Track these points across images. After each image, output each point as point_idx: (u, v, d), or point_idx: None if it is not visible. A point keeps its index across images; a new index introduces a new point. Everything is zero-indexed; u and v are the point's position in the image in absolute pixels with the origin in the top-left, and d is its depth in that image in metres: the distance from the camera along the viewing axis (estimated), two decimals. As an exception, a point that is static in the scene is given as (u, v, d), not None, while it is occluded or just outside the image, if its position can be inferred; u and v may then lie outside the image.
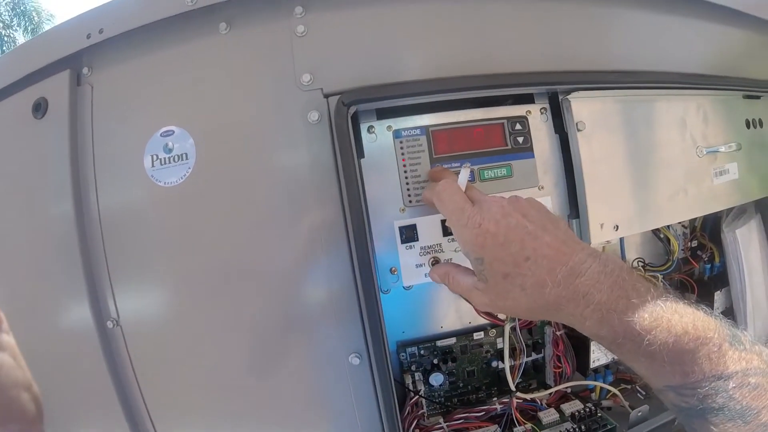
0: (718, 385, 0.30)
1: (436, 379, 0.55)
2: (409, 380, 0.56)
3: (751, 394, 0.29)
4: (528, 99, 0.49)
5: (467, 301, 0.40)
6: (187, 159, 0.46)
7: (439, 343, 0.56)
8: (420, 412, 0.55)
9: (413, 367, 0.56)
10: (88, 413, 0.54)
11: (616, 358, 0.39)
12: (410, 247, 0.45)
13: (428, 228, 0.45)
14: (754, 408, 0.29)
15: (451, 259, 0.45)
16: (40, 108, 0.54)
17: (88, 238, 0.50)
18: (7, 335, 0.21)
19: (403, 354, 0.56)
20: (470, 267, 0.39)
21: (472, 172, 0.45)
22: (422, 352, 0.56)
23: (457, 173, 0.42)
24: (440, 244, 0.45)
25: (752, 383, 0.30)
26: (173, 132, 0.47)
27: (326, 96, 0.44)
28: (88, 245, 0.50)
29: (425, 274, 0.45)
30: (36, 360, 0.51)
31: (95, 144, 0.50)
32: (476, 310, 0.42)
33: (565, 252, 0.34)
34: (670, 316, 0.31)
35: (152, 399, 0.51)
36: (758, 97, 0.73)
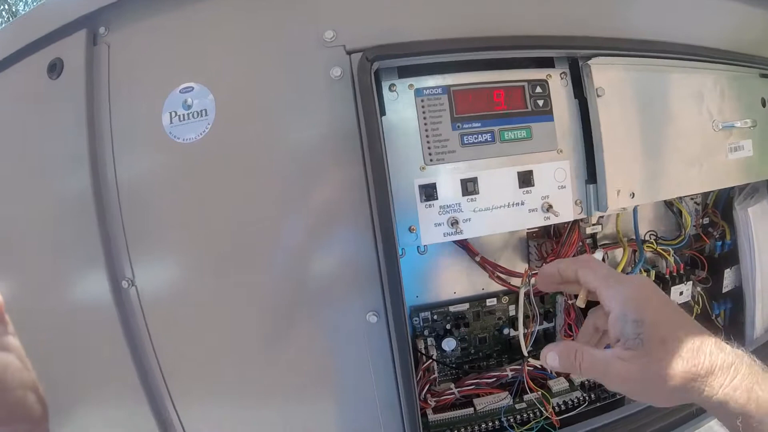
0: None
1: (449, 344, 0.55)
2: (421, 345, 0.56)
3: None
4: (548, 63, 0.49)
5: (601, 381, 0.36)
6: (206, 115, 0.46)
7: (452, 308, 0.57)
8: (432, 377, 0.56)
9: (426, 332, 0.57)
10: (103, 377, 0.55)
11: None
12: (430, 206, 0.45)
13: (448, 187, 0.45)
14: None
15: (469, 219, 0.45)
16: (55, 68, 0.53)
17: (105, 200, 0.49)
18: (13, 337, 0.21)
19: (416, 318, 0.57)
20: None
21: (491, 132, 0.45)
22: (435, 317, 0.57)
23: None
24: (459, 204, 0.45)
25: None
26: (193, 88, 0.47)
27: (349, 53, 0.44)
28: (104, 207, 0.49)
29: (444, 234, 0.45)
30: (53, 326, 0.52)
31: (112, 104, 0.50)
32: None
33: (703, 329, 0.34)
34: None
35: (167, 363, 0.51)
36: (774, 77, 0.73)
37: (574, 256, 0.57)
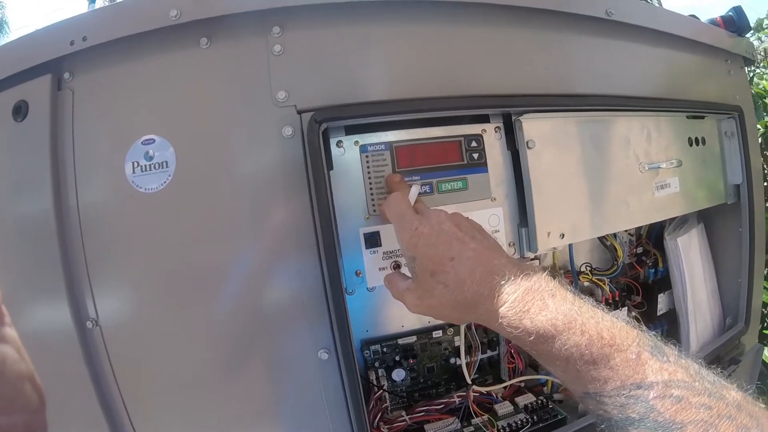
0: (637, 394, 0.29)
1: (399, 374, 0.59)
2: (373, 376, 0.60)
3: (674, 407, 0.28)
4: (484, 118, 0.54)
5: (404, 304, 0.43)
6: (167, 167, 0.49)
7: (400, 341, 0.61)
8: (384, 406, 0.59)
9: (377, 364, 0.60)
10: (67, 414, 0.55)
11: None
12: (374, 251, 0.49)
13: (390, 235, 0.49)
14: (678, 422, 0.28)
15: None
16: (20, 111, 0.54)
17: (68, 239, 0.51)
18: (10, 328, 0.21)
19: (367, 351, 0.60)
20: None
21: (431, 184, 0.50)
22: (385, 349, 0.60)
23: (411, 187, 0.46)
24: (400, 250, 0.49)
25: (675, 395, 0.28)
26: (154, 140, 0.50)
27: (300, 112, 0.48)
28: (68, 247, 0.51)
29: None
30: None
31: (75, 148, 0.51)
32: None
33: (487, 256, 0.37)
34: (585, 320, 0.32)
35: (131, 399, 0.52)
36: (702, 117, 0.80)
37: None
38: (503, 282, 0.35)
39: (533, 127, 0.54)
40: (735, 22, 0.87)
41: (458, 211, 0.43)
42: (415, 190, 0.46)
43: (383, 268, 0.49)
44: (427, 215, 0.41)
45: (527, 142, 0.53)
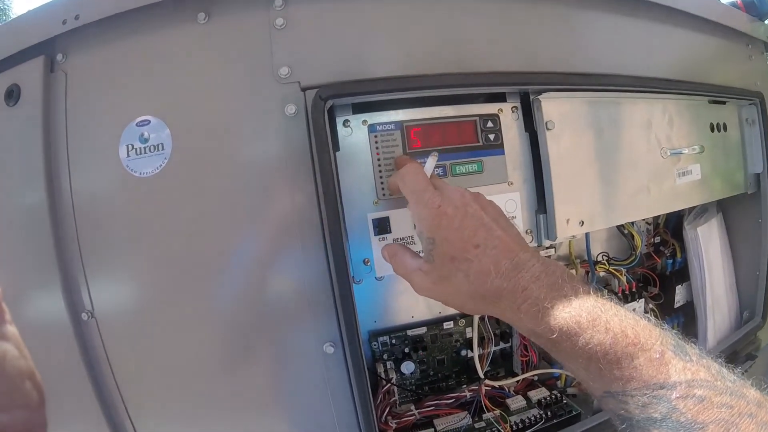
0: (659, 394, 0.29)
1: (408, 367, 0.57)
2: (381, 369, 0.57)
3: (697, 407, 0.28)
4: (500, 98, 0.51)
5: (409, 283, 0.40)
6: (163, 149, 0.46)
7: (410, 332, 0.58)
8: (392, 400, 0.57)
9: (385, 356, 0.58)
10: (64, 407, 0.54)
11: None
12: (383, 239, 0.46)
13: (401, 220, 0.46)
14: (700, 422, 0.27)
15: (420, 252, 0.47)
16: (12, 95, 0.53)
17: (62, 228, 0.49)
18: (10, 325, 0.22)
19: (375, 343, 0.58)
20: (419, 252, 0.40)
21: (444, 167, 0.47)
22: (394, 341, 0.58)
23: (424, 164, 0.43)
24: (413, 237, 0.47)
25: (698, 395, 0.28)
26: (149, 122, 0.47)
27: (303, 89, 0.45)
28: (62, 236, 0.49)
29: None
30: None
31: (69, 132, 0.49)
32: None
33: (513, 248, 0.35)
34: (609, 318, 0.31)
35: (128, 392, 0.51)
36: (724, 103, 0.77)
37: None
38: (528, 277, 0.33)
39: (553, 107, 0.51)
40: (756, 6, 0.84)
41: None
42: (431, 162, 0.42)
43: (393, 256, 0.46)
44: (449, 193, 0.38)
45: (546, 123, 0.50)
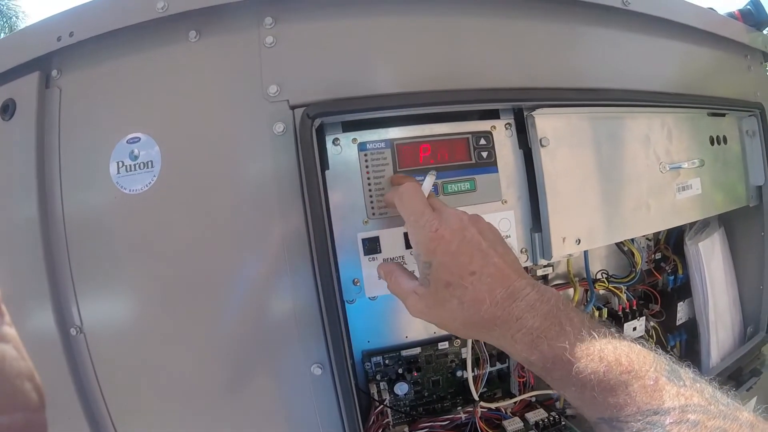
0: (654, 420, 0.29)
1: (401, 388, 0.55)
2: (374, 389, 0.56)
3: None
4: (493, 114, 0.50)
5: (404, 304, 0.40)
6: (152, 167, 0.46)
7: (404, 352, 0.57)
8: (385, 421, 0.56)
9: (378, 377, 0.57)
10: (51, 422, 0.53)
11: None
12: (373, 259, 0.45)
13: (391, 240, 0.45)
14: None
15: (414, 271, 0.46)
16: (7, 109, 0.53)
17: (53, 243, 0.49)
18: (10, 327, 0.21)
19: (368, 363, 0.56)
20: (416, 273, 0.39)
21: (435, 186, 0.46)
22: (387, 361, 0.57)
23: (421, 182, 0.42)
24: (403, 257, 0.46)
25: (691, 420, 0.28)
26: (139, 139, 0.47)
27: (292, 108, 0.44)
28: (52, 251, 0.49)
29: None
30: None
31: (62, 147, 0.50)
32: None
33: (509, 276, 0.35)
34: (603, 346, 0.31)
35: (116, 409, 0.50)
36: (723, 115, 0.76)
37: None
38: (522, 306, 0.33)
39: (547, 123, 0.50)
40: (753, 16, 0.83)
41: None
42: (429, 181, 0.42)
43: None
44: (447, 215, 0.37)
45: (540, 140, 0.49)
